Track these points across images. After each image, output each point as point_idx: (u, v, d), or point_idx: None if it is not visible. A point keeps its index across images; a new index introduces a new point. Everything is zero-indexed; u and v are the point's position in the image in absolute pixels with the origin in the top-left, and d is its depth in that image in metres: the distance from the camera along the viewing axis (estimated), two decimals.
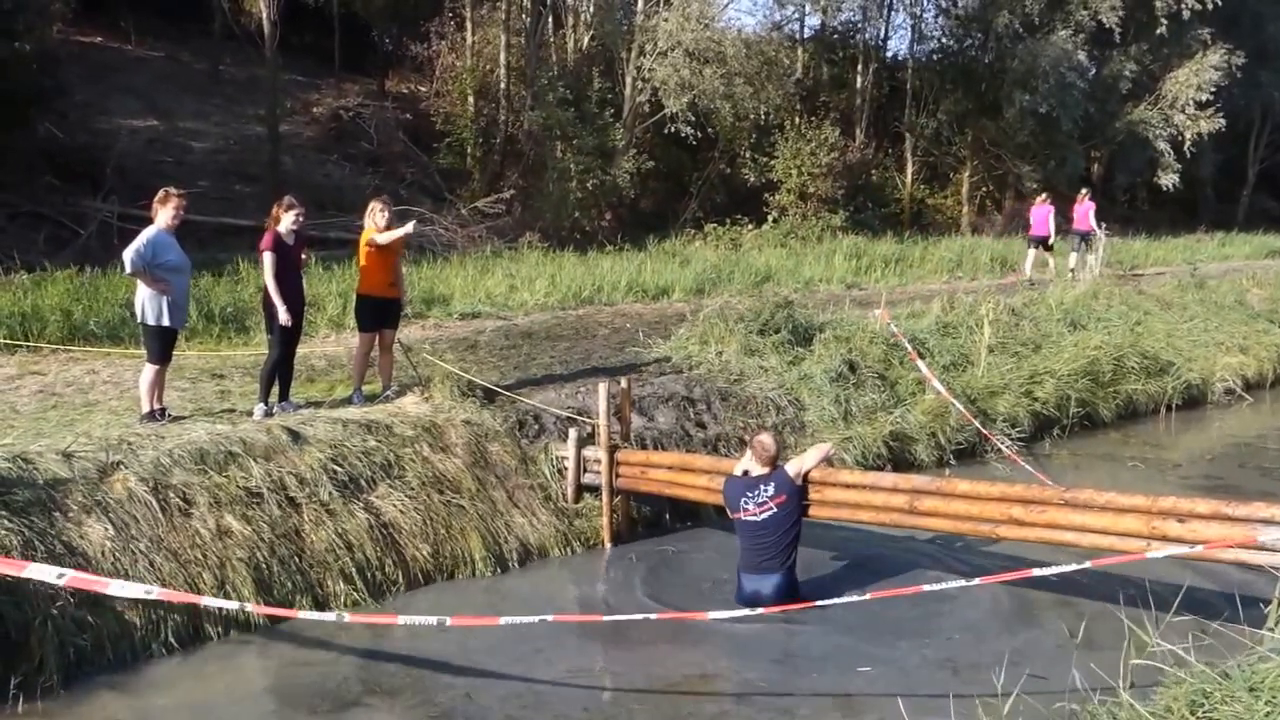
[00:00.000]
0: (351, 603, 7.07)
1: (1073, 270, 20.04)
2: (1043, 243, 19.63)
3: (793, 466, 7.15)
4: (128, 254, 7.77)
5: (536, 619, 6.07)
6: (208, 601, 6.29)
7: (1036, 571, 5.98)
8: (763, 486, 7.08)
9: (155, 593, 5.97)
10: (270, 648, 6.48)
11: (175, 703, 5.81)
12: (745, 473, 7.27)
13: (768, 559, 6.97)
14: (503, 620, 6.00)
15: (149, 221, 8.13)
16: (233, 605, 6.29)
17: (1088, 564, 5.79)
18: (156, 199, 8.09)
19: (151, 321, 7.94)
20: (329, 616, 6.05)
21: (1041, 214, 19.64)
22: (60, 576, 5.72)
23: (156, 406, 8.08)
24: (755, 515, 7.04)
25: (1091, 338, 13.69)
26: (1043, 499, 6.36)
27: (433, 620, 5.93)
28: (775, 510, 6.99)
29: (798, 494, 7.08)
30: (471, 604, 7.31)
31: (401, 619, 6.00)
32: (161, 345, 8.03)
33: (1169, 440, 12.80)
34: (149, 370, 8.05)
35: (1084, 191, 20.99)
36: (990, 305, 13.57)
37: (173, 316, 8.01)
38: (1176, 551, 5.67)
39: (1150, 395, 13.62)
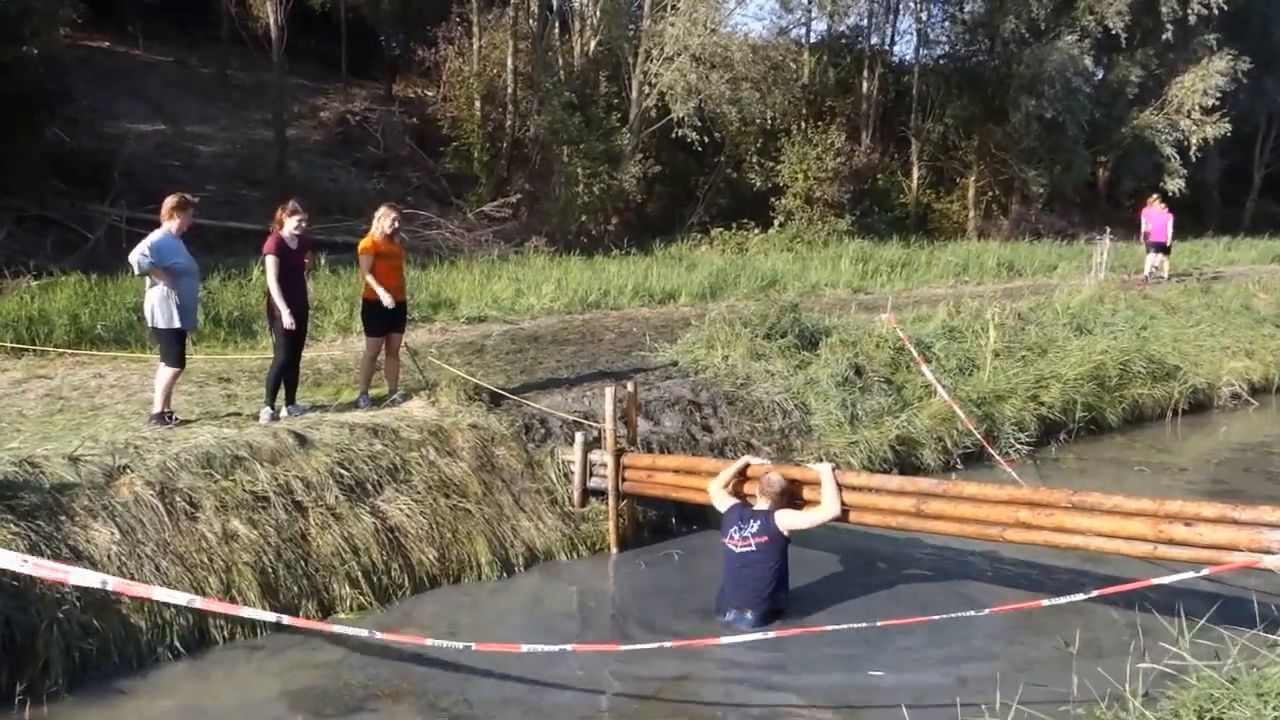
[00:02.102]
0: (358, 607, 7.09)
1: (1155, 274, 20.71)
2: (1161, 247, 20.60)
3: (784, 520, 7.02)
4: (133, 258, 7.82)
5: (558, 648, 6.09)
6: (247, 612, 6.31)
7: (1045, 602, 5.96)
8: (752, 521, 7.06)
9: (198, 603, 5.98)
10: (275, 653, 6.48)
11: (181, 707, 5.82)
12: (747, 502, 7.28)
13: (744, 596, 6.91)
14: (525, 648, 6.01)
15: (157, 225, 8.15)
16: (269, 617, 6.28)
17: (1094, 593, 5.77)
18: (170, 204, 8.10)
19: (163, 325, 7.99)
20: (361, 633, 6.04)
21: (1160, 220, 20.50)
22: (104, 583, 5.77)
23: (166, 409, 8.10)
24: (736, 546, 7.04)
25: (1097, 342, 13.68)
26: (1050, 502, 6.35)
27: (459, 645, 5.95)
28: (754, 548, 6.96)
29: (781, 542, 7.01)
30: (479, 610, 7.32)
31: (430, 641, 6.00)
32: (178, 348, 8.09)
33: (1175, 444, 12.76)
34: (167, 373, 8.09)
35: (1154, 196, 21.43)
36: (995, 309, 13.57)
37: (183, 319, 8.04)
38: (1183, 577, 5.63)
39: (1156, 400, 13.60)
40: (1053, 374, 12.50)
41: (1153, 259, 20.75)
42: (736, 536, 7.04)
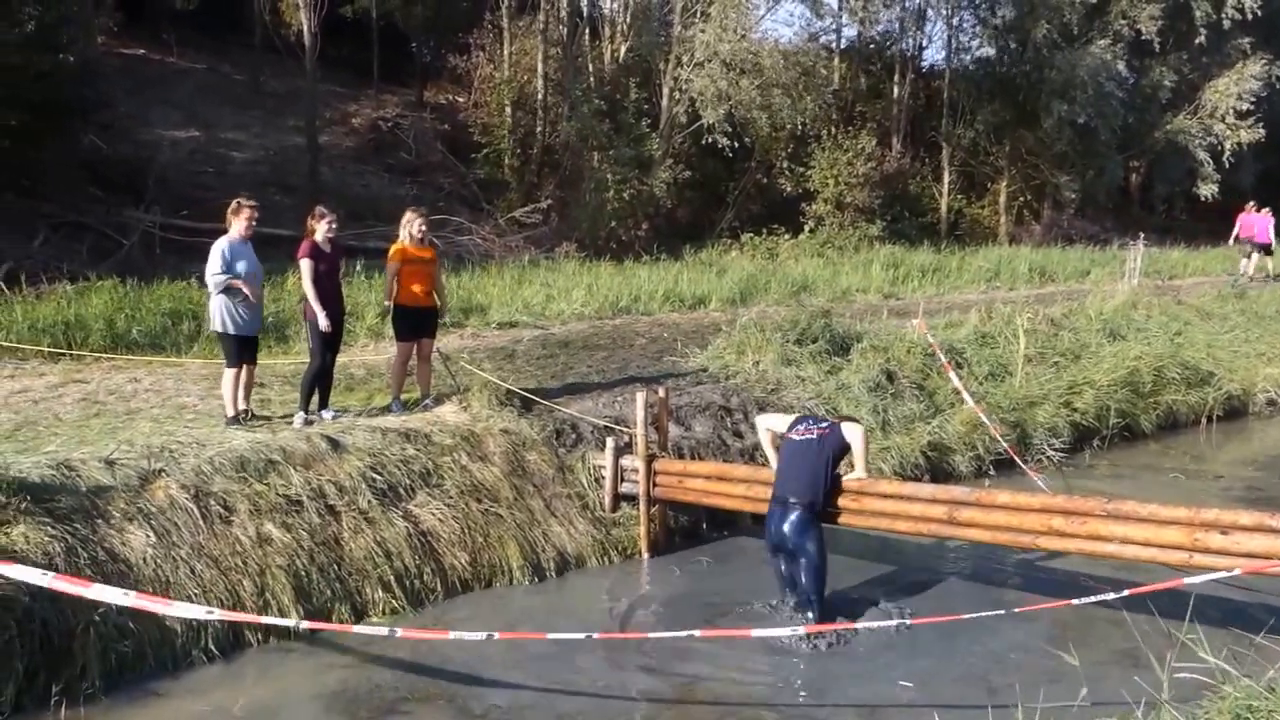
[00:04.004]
0: (390, 610, 7.12)
1: (1248, 275, 21.66)
2: (1265, 249, 21.77)
3: (849, 431, 7.18)
4: (208, 280, 8.17)
5: (583, 635, 6.08)
6: (267, 620, 6.33)
7: (1076, 602, 5.91)
8: (822, 421, 7.38)
9: (216, 614, 6.02)
10: (309, 655, 6.53)
11: (215, 709, 5.86)
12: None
13: (795, 485, 7.01)
14: (550, 635, 6.02)
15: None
16: (289, 623, 6.30)
17: (1125, 593, 5.71)
18: (230, 210, 8.36)
19: (218, 329, 8.25)
20: (382, 630, 6.07)
21: (1264, 223, 21.62)
22: (125, 595, 5.80)
23: (241, 409, 8.34)
24: (800, 435, 7.23)
25: (1131, 348, 13.55)
26: (1084, 510, 6.28)
27: (481, 635, 5.95)
28: (816, 437, 7.14)
29: (838, 444, 7.14)
30: (510, 613, 7.33)
31: (452, 634, 6.02)
32: (234, 351, 8.28)
33: (1210, 451, 12.63)
34: (224, 375, 8.33)
35: (1251, 203, 22.40)
36: (1027, 315, 13.48)
37: (240, 324, 8.23)
38: (1213, 577, 5.56)
39: (1191, 406, 13.45)
40: (1086, 380, 12.39)
41: (1256, 259, 21.80)
42: (802, 429, 7.29)
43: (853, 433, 7.18)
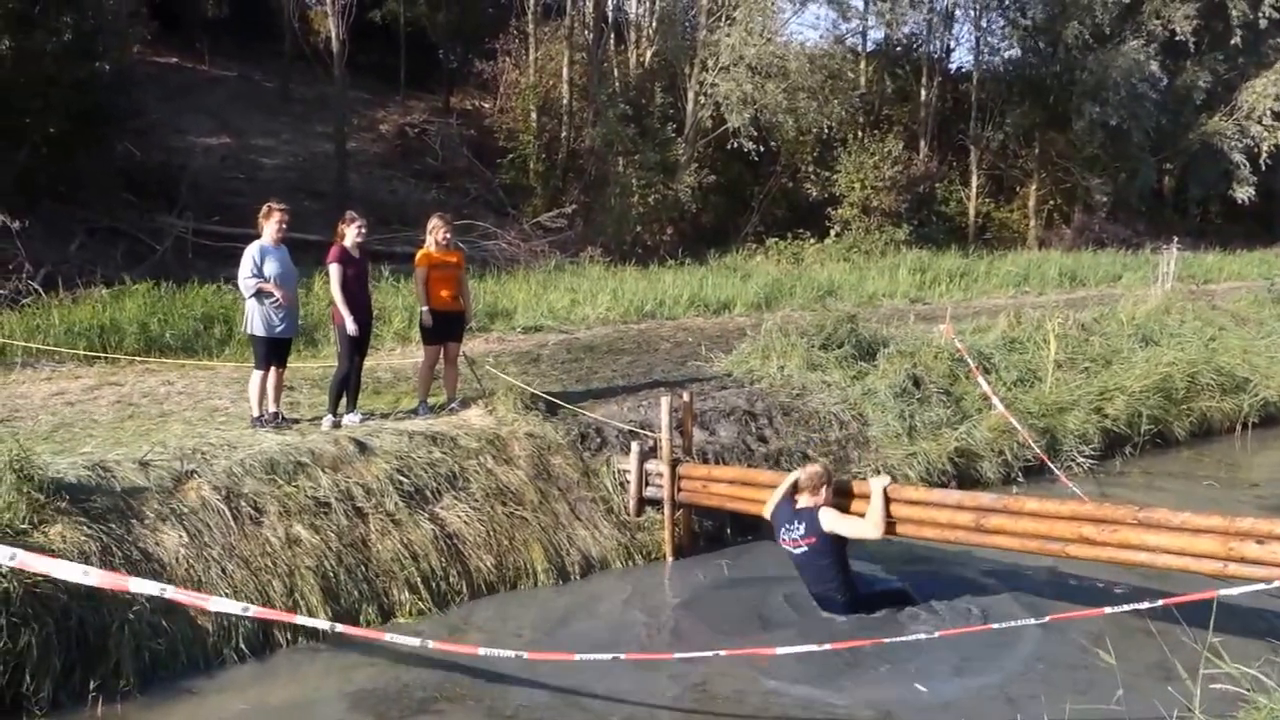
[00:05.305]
0: (417, 612, 7.16)
1: None
2: None
3: (828, 521, 6.96)
4: (240, 286, 8.31)
5: (610, 657, 6.09)
6: (300, 620, 6.37)
7: (1109, 610, 5.85)
8: (797, 522, 7.10)
9: (251, 611, 6.09)
10: (339, 655, 6.57)
11: (247, 707, 5.92)
12: (794, 498, 7.25)
13: (817, 592, 7.13)
14: (577, 657, 6.03)
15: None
16: (323, 625, 6.33)
17: (1160, 602, 5.65)
18: (260, 214, 8.50)
19: (247, 330, 8.41)
20: (414, 641, 6.11)
21: None
22: (162, 590, 5.90)
23: (269, 411, 8.46)
24: (790, 548, 7.15)
25: (1164, 353, 13.40)
26: (1115, 518, 6.21)
27: (510, 654, 5.96)
28: (806, 549, 7.04)
29: (828, 540, 6.97)
30: (535, 616, 7.36)
31: (482, 650, 6.02)
32: (263, 353, 8.39)
33: (1245, 459, 12.48)
34: (251, 377, 8.47)
35: None
36: (1057, 320, 13.38)
37: (271, 326, 8.32)
38: (1249, 589, 5.50)
39: (1225, 413, 13.26)
40: (1117, 386, 12.25)
41: None
42: (786, 539, 7.14)
43: (827, 519, 6.96)
